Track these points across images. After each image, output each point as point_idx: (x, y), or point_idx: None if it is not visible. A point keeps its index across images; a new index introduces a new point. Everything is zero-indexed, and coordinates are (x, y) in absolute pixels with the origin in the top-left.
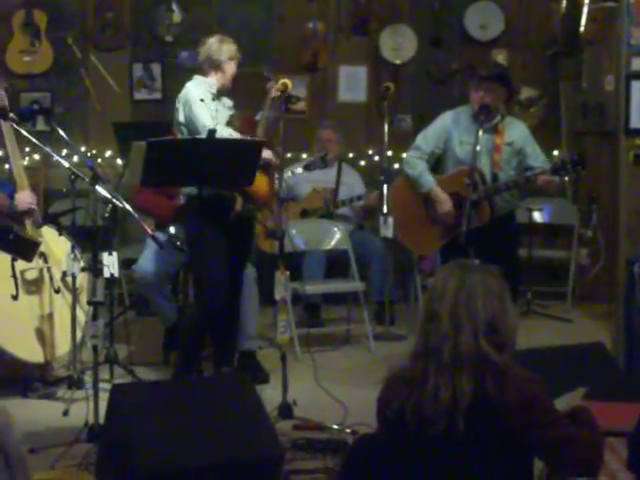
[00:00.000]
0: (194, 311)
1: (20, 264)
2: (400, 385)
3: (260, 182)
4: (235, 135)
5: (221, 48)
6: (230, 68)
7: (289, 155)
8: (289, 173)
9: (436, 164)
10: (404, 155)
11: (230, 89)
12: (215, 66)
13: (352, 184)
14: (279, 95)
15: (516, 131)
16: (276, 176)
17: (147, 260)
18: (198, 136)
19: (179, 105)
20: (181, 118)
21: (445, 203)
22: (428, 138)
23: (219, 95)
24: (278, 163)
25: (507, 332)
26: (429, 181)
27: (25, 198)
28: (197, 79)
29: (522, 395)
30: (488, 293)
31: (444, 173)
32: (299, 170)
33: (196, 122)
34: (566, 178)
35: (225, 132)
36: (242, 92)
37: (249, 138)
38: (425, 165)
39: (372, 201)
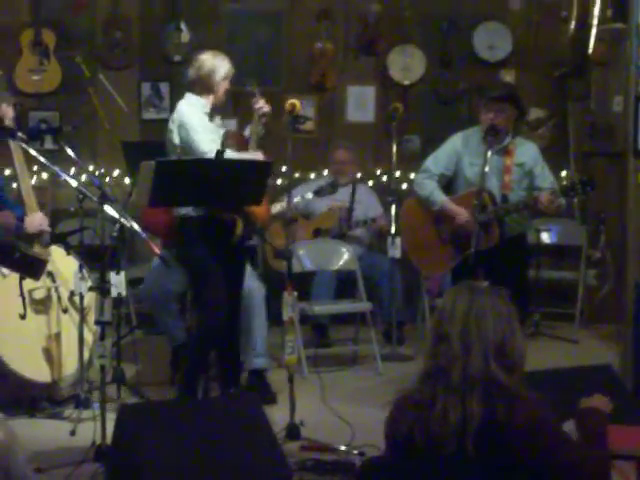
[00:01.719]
0: (195, 333)
1: (28, 283)
2: (409, 407)
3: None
4: (240, 155)
5: (214, 68)
6: (223, 87)
7: (297, 175)
8: (299, 198)
9: (446, 187)
10: (412, 176)
11: (223, 106)
12: (209, 87)
13: (368, 204)
14: (266, 111)
15: (527, 152)
16: (285, 198)
17: (154, 278)
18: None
19: (173, 127)
20: (176, 140)
21: (461, 214)
22: (438, 160)
23: (212, 114)
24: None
25: (516, 355)
26: (440, 197)
27: (36, 221)
28: (190, 98)
29: (531, 418)
30: (497, 316)
31: (454, 195)
32: (309, 196)
33: (196, 150)
34: (575, 200)
35: (231, 155)
36: (251, 112)
37: (258, 158)
38: (435, 184)
39: (381, 222)
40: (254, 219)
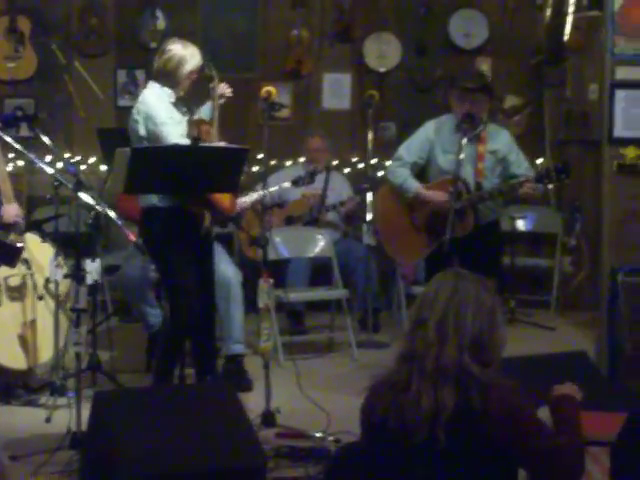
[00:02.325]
0: (166, 322)
1: (3, 271)
2: (385, 388)
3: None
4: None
5: (183, 60)
6: (190, 78)
7: (273, 162)
8: (276, 187)
9: (419, 176)
10: (388, 163)
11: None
12: (175, 78)
13: (340, 190)
14: (228, 94)
15: (500, 139)
16: (261, 186)
17: (130, 266)
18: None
19: (138, 117)
20: (142, 132)
21: (437, 197)
22: (411, 149)
23: (177, 103)
24: None
25: (494, 349)
26: (414, 185)
27: (12, 211)
28: (154, 88)
29: (505, 405)
30: (479, 308)
31: (428, 183)
32: (286, 185)
33: (164, 143)
34: (550, 186)
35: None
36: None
37: (235, 145)
38: (408, 172)
39: (349, 206)
40: (221, 209)
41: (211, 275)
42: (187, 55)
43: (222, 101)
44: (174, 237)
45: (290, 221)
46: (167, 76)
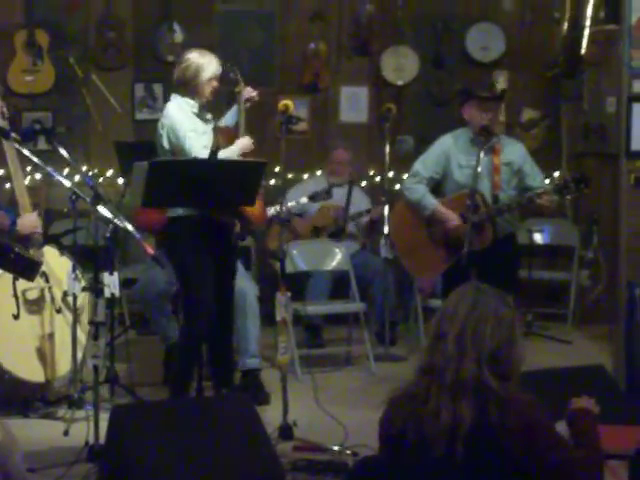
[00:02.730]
0: (183, 333)
1: (21, 284)
2: (404, 402)
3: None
4: (232, 151)
5: (200, 68)
6: (210, 86)
7: (290, 176)
8: (293, 203)
9: (435, 189)
10: (405, 176)
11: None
12: (195, 87)
13: (359, 203)
14: (255, 97)
15: (514, 151)
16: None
17: (148, 279)
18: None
19: (162, 131)
20: (166, 144)
21: (453, 219)
22: (427, 164)
23: (200, 113)
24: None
25: (512, 363)
26: (431, 202)
27: (28, 222)
28: (177, 100)
29: (523, 419)
30: (498, 322)
31: (444, 197)
32: (304, 200)
33: (187, 155)
34: (568, 197)
35: (224, 152)
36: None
37: (252, 159)
38: (425, 188)
39: (375, 214)
40: (250, 221)
41: (231, 287)
42: (204, 63)
43: (248, 105)
44: (197, 247)
45: (316, 232)
46: (186, 85)
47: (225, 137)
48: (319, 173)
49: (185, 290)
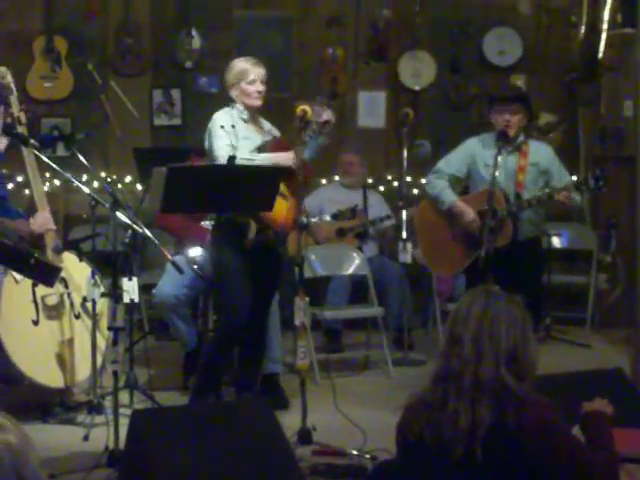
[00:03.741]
0: (213, 336)
1: (41, 289)
2: (421, 408)
3: (279, 208)
4: (258, 157)
5: (236, 71)
6: (250, 89)
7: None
8: (317, 219)
9: (464, 192)
10: (423, 181)
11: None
12: (234, 91)
13: (376, 207)
14: (329, 121)
15: (541, 152)
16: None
17: (167, 284)
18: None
19: (205, 134)
20: (207, 146)
21: (469, 213)
22: (450, 161)
23: (253, 118)
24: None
25: (528, 362)
26: (450, 197)
27: (41, 220)
28: (225, 109)
29: (540, 421)
30: (511, 322)
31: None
32: (327, 218)
33: (212, 153)
34: (586, 195)
35: (244, 156)
36: (263, 117)
37: (267, 165)
38: (446, 183)
39: (385, 226)
40: (272, 223)
41: (272, 291)
42: (240, 65)
43: (326, 129)
44: (225, 248)
45: (342, 232)
46: (231, 90)
47: (276, 148)
48: (337, 179)
49: (218, 290)
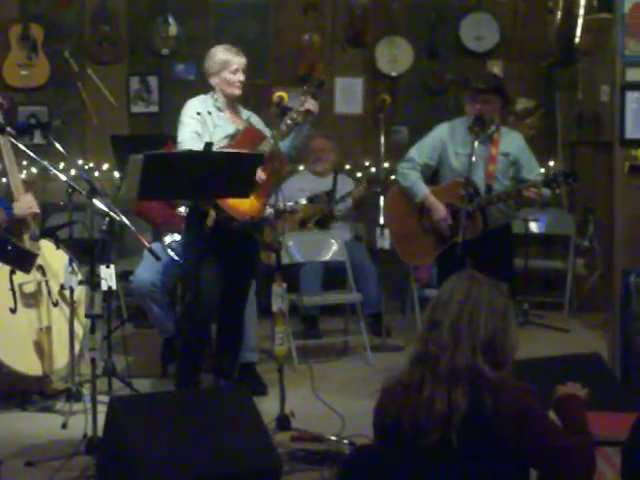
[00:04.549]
0: (182, 324)
1: (18, 277)
2: (398, 390)
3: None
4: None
5: (215, 59)
6: (229, 79)
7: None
8: (292, 202)
9: (433, 177)
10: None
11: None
12: (212, 79)
13: (343, 187)
14: (311, 109)
15: (512, 142)
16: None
17: (144, 271)
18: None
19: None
20: (176, 134)
21: (440, 210)
22: (421, 150)
23: (231, 106)
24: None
25: (506, 351)
26: (422, 190)
27: (24, 203)
28: (200, 96)
29: (517, 406)
30: (492, 310)
31: (438, 185)
32: (302, 201)
33: (178, 141)
34: (557, 191)
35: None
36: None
37: (246, 151)
38: (418, 175)
39: (358, 193)
40: (232, 212)
41: (245, 276)
42: (219, 54)
43: (309, 118)
44: (191, 235)
45: (303, 223)
46: (212, 78)
47: (246, 137)
48: (301, 168)
49: (186, 276)
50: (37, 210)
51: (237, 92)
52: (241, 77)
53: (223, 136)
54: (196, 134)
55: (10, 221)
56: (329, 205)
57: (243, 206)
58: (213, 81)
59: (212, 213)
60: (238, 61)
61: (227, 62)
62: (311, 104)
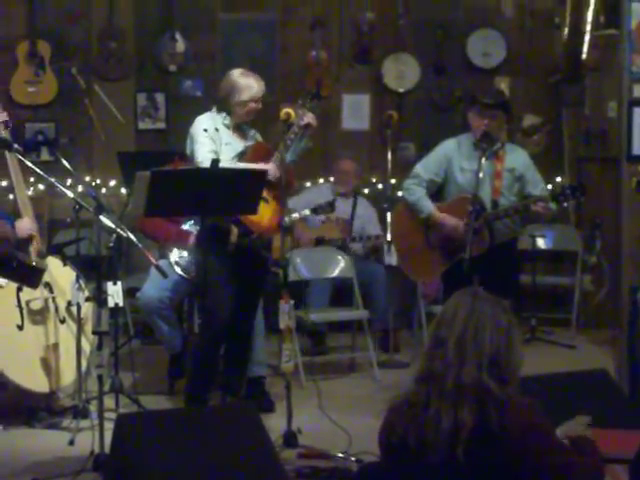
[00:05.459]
0: (197, 340)
1: (25, 294)
2: (404, 409)
3: (262, 212)
4: (238, 167)
5: (235, 88)
6: (245, 108)
7: None
8: (297, 215)
9: (438, 192)
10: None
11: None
12: (227, 106)
13: (365, 219)
14: (310, 124)
15: (517, 158)
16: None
17: (151, 287)
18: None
19: (188, 139)
20: (188, 151)
21: (450, 220)
22: (428, 166)
23: (239, 126)
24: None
25: (511, 368)
26: (427, 206)
27: (25, 225)
28: (210, 112)
29: (523, 422)
30: (496, 327)
31: (445, 201)
32: (306, 212)
33: (194, 159)
34: (565, 204)
35: (224, 164)
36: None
37: (251, 167)
38: (423, 191)
39: (375, 243)
40: (255, 227)
41: (256, 296)
42: (242, 84)
43: (307, 132)
44: (208, 252)
45: (320, 242)
46: (221, 102)
47: (257, 153)
48: (321, 181)
49: (201, 292)
50: (34, 233)
51: (251, 118)
52: (260, 105)
53: (233, 155)
54: (215, 153)
55: (14, 238)
56: (349, 232)
57: (263, 221)
58: (230, 102)
59: (234, 229)
60: (261, 90)
61: (251, 89)
62: (310, 118)
